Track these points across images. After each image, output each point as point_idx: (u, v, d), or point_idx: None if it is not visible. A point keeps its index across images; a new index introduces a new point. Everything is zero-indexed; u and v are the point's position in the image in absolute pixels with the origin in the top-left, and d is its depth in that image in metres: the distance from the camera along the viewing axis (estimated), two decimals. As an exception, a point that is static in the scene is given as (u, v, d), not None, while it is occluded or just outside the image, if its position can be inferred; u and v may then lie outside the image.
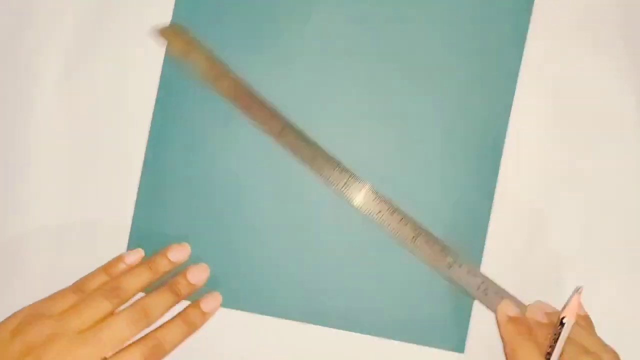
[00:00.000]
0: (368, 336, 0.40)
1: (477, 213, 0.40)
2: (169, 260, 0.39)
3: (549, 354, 0.36)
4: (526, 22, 0.41)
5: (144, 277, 0.38)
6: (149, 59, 0.41)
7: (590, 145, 0.41)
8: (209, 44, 0.41)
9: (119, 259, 0.39)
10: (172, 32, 0.41)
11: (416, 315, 0.40)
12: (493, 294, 0.39)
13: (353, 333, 0.41)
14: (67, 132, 0.41)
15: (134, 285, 0.37)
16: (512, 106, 0.41)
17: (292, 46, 0.41)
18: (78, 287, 0.37)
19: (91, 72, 0.41)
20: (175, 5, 0.41)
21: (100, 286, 0.37)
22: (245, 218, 0.41)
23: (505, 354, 0.38)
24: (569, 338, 0.36)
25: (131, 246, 0.41)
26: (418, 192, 0.41)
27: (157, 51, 0.41)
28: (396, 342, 0.40)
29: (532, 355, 0.36)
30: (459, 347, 0.40)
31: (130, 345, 0.35)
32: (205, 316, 0.39)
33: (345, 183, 0.40)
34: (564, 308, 0.37)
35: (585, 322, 0.38)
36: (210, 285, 0.40)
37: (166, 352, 0.36)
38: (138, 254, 0.40)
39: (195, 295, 0.39)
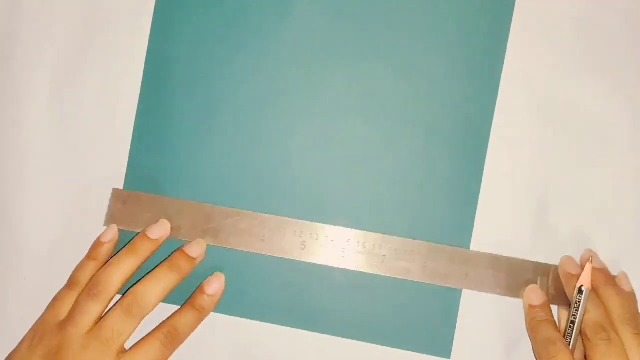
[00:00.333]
0: (354, 341, 0.40)
1: (464, 209, 0.40)
2: (150, 239, 0.39)
3: (571, 327, 0.37)
4: (509, 17, 0.40)
5: (127, 263, 0.38)
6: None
7: (576, 142, 0.40)
8: (190, 42, 0.40)
9: (98, 243, 0.39)
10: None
11: (402, 320, 0.40)
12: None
13: (339, 338, 0.40)
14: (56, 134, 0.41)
15: (118, 277, 0.37)
16: (497, 102, 0.40)
17: (272, 42, 0.40)
18: (72, 282, 0.38)
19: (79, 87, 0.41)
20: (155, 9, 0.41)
21: (88, 285, 0.37)
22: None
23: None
24: (590, 307, 0.37)
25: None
26: (403, 189, 0.40)
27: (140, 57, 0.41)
28: (382, 348, 0.40)
29: (547, 332, 0.37)
30: (445, 353, 0.40)
31: (147, 335, 0.36)
32: (212, 298, 0.39)
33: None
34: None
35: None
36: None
37: (182, 338, 0.37)
38: (112, 230, 0.39)
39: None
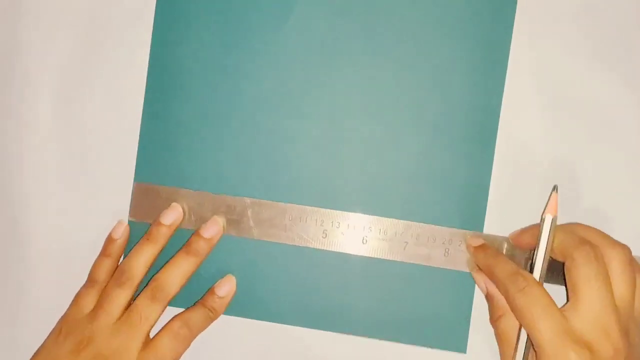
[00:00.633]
0: (369, 339, 0.40)
1: (477, 194, 0.40)
2: (164, 225, 0.39)
3: (532, 258, 0.35)
4: (513, 11, 0.40)
5: (147, 251, 0.38)
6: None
7: (585, 134, 0.40)
8: (192, 43, 0.41)
9: (110, 239, 0.40)
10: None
11: (417, 316, 0.40)
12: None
13: (353, 336, 0.40)
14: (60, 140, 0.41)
15: (140, 264, 0.38)
16: (504, 89, 0.40)
17: (275, 41, 0.40)
18: (90, 280, 0.39)
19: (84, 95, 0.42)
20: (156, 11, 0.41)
21: (114, 276, 0.38)
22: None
23: (486, 294, 0.38)
24: (562, 231, 0.35)
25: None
26: (417, 178, 0.40)
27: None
28: (397, 344, 0.40)
29: (507, 265, 0.35)
30: (461, 348, 0.40)
31: (161, 329, 0.38)
32: (223, 300, 0.40)
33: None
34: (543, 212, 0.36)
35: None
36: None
37: (193, 334, 0.38)
38: (122, 226, 0.40)
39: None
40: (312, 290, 0.40)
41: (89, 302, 0.38)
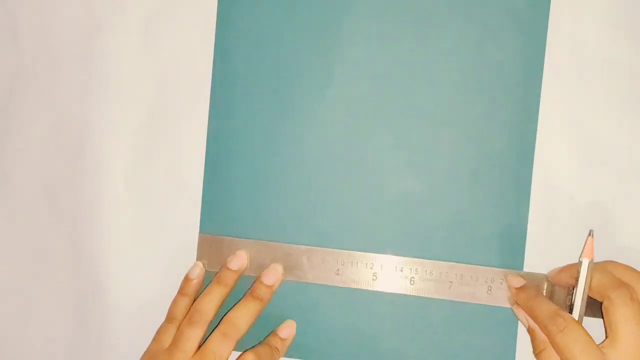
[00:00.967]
0: None
1: (514, 245, 0.43)
2: (231, 270, 0.43)
3: (571, 295, 0.38)
4: (542, 57, 0.43)
5: (217, 293, 0.42)
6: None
7: (616, 174, 0.43)
8: (246, 106, 0.45)
9: (187, 279, 0.44)
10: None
11: (465, 354, 0.43)
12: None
13: None
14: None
15: (212, 305, 0.42)
16: (536, 141, 0.43)
17: (321, 104, 0.44)
18: (170, 317, 0.43)
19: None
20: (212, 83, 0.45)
21: (188, 315, 0.42)
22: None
23: (528, 328, 0.40)
24: (599, 271, 0.38)
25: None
26: (454, 231, 0.43)
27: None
28: None
29: (548, 306, 0.38)
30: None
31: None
32: (284, 342, 0.43)
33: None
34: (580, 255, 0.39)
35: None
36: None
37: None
38: (198, 267, 0.44)
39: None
40: (364, 332, 0.43)
41: (168, 337, 0.41)
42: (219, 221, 0.45)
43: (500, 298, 0.42)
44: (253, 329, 0.42)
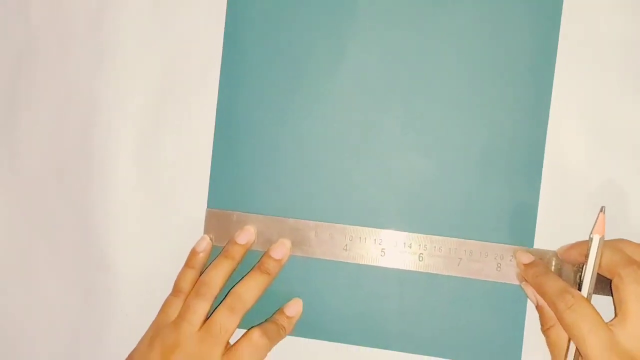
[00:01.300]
0: (423, 356, 0.43)
1: (526, 210, 0.42)
2: (239, 244, 0.43)
3: (581, 276, 0.37)
4: (556, 41, 0.42)
5: (224, 266, 0.42)
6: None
7: (630, 151, 0.42)
8: (256, 82, 0.44)
9: (193, 252, 0.44)
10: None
11: (473, 331, 0.43)
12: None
13: (408, 354, 0.43)
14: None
15: (219, 278, 0.42)
16: (549, 118, 0.42)
17: (332, 82, 0.43)
18: (176, 290, 0.43)
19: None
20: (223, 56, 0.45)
21: (195, 288, 0.42)
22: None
23: (537, 305, 0.40)
24: (609, 249, 0.37)
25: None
26: (465, 207, 0.43)
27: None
28: None
29: (556, 283, 0.37)
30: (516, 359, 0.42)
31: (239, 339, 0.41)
32: (291, 320, 0.43)
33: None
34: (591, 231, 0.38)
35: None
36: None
37: (270, 345, 0.41)
38: (205, 240, 0.44)
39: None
40: (371, 309, 0.43)
41: (174, 310, 0.41)
42: (226, 196, 0.44)
43: (510, 275, 0.42)
44: (258, 305, 0.42)
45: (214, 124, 0.44)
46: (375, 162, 0.43)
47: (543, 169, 0.42)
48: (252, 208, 0.44)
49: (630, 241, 0.39)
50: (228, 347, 0.41)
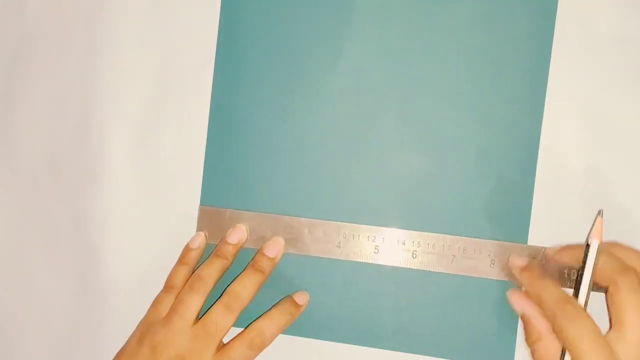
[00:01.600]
0: (416, 355, 0.43)
1: (520, 206, 0.42)
2: (231, 243, 0.43)
3: (577, 282, 0.35)
4: (550, 35, 0.42)
5: (217, 264, 0.42)
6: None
7: (624, 147, 0.42)
8: (250, 80, 0.44)
9: (187, 249, 0.43)
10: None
11: (463, 334, 0.43)
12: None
13: (401, 353, 0.43)
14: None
15: (213, 274, 0.41)
16: (543, 116, 0.42)
17: (328, 80, 0.43)
18: (168, 286, 0.42)
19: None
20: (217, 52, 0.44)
21: (189, 282, 0.41)
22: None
23: (522, 315, 0.39)
24: (605, 254, 0.35)
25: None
26: (458, 204, 0.43)
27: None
28: None
29: (555, 291, 0.36)
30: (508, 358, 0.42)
31: (232, 339, 0.41)
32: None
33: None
34: (588, 235, 0.37)
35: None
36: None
37: (265, 345, 0.41)
38: (199, 237, 0.43)
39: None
40: (365, 306, 0.43)
41: (166, 306, 0.41)
42: (220, 193, 0.44)
43: (504, 272, 0.42)
44: (253, 303, 0.42)
45: (207, 122, 0.44)
46: (369, 160, 0.43)
47: (537, 166, 0.42)
48: (246, 205, 0.44)
49: (623, 245, 0.38)
50: (220, 346, 0.40)
